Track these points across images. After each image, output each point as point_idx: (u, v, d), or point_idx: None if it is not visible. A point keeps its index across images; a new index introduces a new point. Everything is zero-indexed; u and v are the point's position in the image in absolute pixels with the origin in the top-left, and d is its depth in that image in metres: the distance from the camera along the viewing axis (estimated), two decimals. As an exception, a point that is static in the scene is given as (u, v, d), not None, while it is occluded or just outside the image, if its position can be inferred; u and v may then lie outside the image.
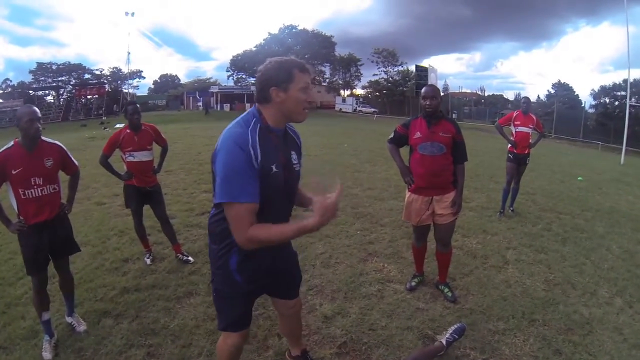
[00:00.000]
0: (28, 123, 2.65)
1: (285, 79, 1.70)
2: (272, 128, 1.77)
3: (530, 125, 6.01)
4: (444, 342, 2.70)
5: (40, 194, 2.78)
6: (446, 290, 3.58)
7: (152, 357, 2.78)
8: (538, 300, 3.52)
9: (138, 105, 4.16)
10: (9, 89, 58.69)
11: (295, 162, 1.91)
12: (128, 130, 4.01)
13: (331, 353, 2.81)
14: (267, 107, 1.76)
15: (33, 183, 2.74)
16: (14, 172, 2.68)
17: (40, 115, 2.76)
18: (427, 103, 3.26)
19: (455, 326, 2.84)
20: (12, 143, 2.74)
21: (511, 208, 6.20)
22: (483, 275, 3.98)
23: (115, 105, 50.39)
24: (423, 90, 3.36)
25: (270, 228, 1.65)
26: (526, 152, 6.03)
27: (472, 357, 2.75)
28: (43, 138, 2.82)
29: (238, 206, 1.64)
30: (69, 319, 3.14)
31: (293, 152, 1.91)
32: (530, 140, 6.09)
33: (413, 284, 3.66)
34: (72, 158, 3.08)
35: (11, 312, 3.36)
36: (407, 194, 3.52)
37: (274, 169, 1.74)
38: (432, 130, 3.28)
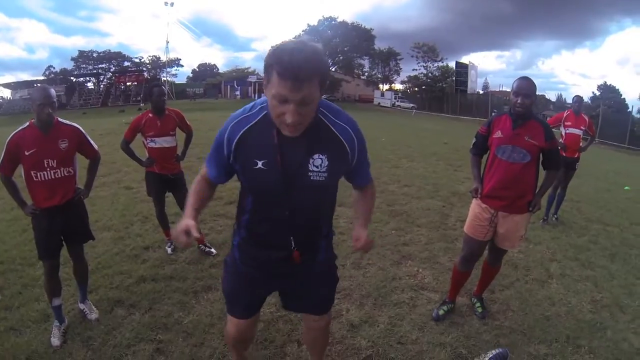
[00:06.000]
0: (39, 108, 2.53)
1: (266, 75, 1.33)
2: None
3: (581, 127, 5.53)
4: (482, 366, 2.41)
5: (53, 177, 2.68)
6: (478, 304, 3.25)
7: (160, 354, 2.65)
8: (584, 323, 3.16)
9: (163, 87, 4.01)
10: (52, 76, 61.19)
11: (316, 169, 1.53)
12: (150, 115, 3.88)
13: (354, 367, 2.58)
14: None
15: (46, 165, 2.64)
16: (27, 153, 2.58)
17: (54, 99, 2.61)
18: (519, 101, 2.67)
19: (497, 351, 2.53)
20: (27, 124, 2.65)
21: (555, 216, 5.76)
22: (524, 290, 3.64)
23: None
24: (516, 83, 2.73)
25: (195, 189, 1.72)
26: (576, 155, 5.55)
27: (511, 384, 2.45)
28: (60, 120, 2.73)
29: (203, 166, 1.72)
30: (81, 306, 3.09)
31: (319, 156, 1.52)
32: (580, 144, 5.62)
33: (441, 312, 3.12)
34: (92, 142, 2.95)
35: (27, 294, 3.34)
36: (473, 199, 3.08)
37: (260, 165, 1.51)
38: (516, 131, 2.74)
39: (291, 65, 1.24)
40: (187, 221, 1.51)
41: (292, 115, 1.31)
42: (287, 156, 1.50)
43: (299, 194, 1.54)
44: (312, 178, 1.53)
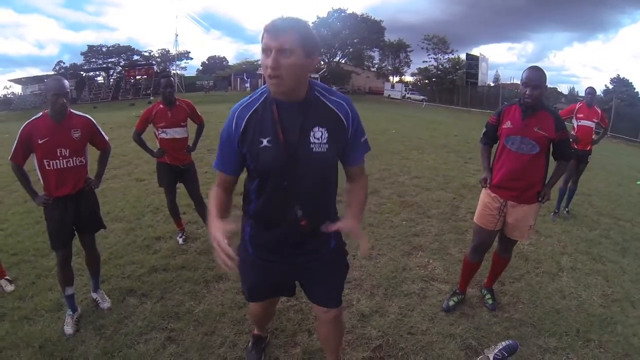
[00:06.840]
0: (53, 97, 2.58)
1: (261, 43, 1.50)
2: (277, 100, 1.59)
3: (594, 119, 5.42)
4: (491, 358, 2.39)
5: (65, 166, 2.72)
6: (488, 296, 3.22)
7: (172, 342, 2.67)
8: (594, 317, 3.12)
9: (171, 78, 4.01)
10: (62, 71, 61.39)
11: (317, 140, 1.61)
12: (161, 106, 3.88)
13: (364, 357, 2.57)
14: None
15: (59, 154, 2.68)
16: (40, 142, 2.62)
17: (67, 89, 2.66)
18: (528, 93, 2.59)
19: (506, 343, 2.51)
20: (40, 114, 2.70)
21: (566, 209, 5.67)
22: (535, 282, 3.60)
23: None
24: (525, 73, 2.65)
25: (213, 202, 1.71)
26: (588, 148, 5.46)
27: (520, 376, 2.43)
28: (72, 111, 2.77)
29: (217, 172, 1.75)
30: (94, 295, 3.14)
31: (319, 128, 1.62)
32: (593, 136, 5.52)
33: (451, 303, 3.11)
34: (103, 133, 3.00)
35: (40, 284, 3.39)
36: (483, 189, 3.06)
37: (265, 143, 1.60)
38: (525, 122, 2.68)
39: (273, 21, 1.44)
40: (215, 224, 1.57)
41: (271, 61, 1.42)
42: (289, 130, 1.59)
43: (303, 167, 1.61)
44: (314, 150, 1.61)
